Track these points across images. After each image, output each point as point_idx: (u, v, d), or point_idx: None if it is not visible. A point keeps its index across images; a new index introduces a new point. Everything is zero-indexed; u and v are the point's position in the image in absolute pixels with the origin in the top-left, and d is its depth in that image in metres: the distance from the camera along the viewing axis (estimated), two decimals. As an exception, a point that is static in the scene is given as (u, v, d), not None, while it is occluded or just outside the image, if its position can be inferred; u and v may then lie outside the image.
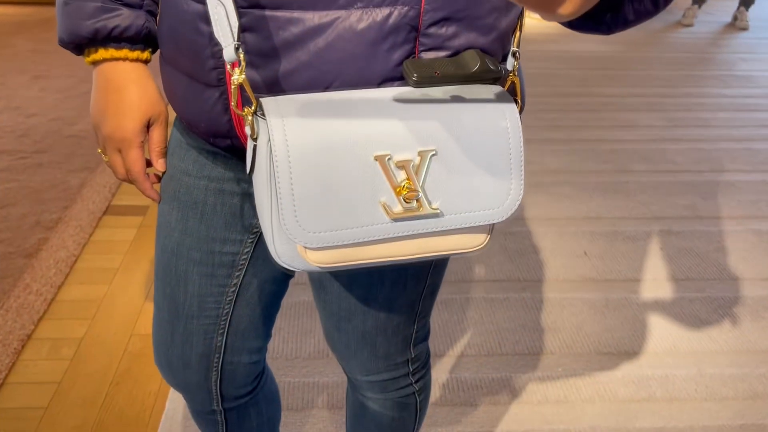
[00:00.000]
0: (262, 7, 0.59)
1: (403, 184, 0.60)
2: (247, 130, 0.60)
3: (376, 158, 0.59)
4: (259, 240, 0.80)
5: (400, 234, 0.62)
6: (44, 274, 1.89)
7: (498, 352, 1.67)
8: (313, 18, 0.59)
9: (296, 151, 0.57)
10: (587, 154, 2.78)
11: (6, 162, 2.54)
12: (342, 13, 0.59)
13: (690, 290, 1.93)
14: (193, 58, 0.65)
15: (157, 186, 0.81)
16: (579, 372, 1.61)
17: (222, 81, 0.64)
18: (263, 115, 0.59)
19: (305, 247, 0.62)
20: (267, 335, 0.91)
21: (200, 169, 0.75)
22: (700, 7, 4.98)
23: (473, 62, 0.61)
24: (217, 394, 0.90)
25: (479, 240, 0.67)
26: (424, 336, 0.94)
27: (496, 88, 0.64)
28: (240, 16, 0.59)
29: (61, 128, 2.85)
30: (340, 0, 0.58)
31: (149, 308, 1.78)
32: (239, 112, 0.60)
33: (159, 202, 0.81)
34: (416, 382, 0.96)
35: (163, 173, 0.79)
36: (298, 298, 1.83)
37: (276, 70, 0.61)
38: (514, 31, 0.67)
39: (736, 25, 4.90)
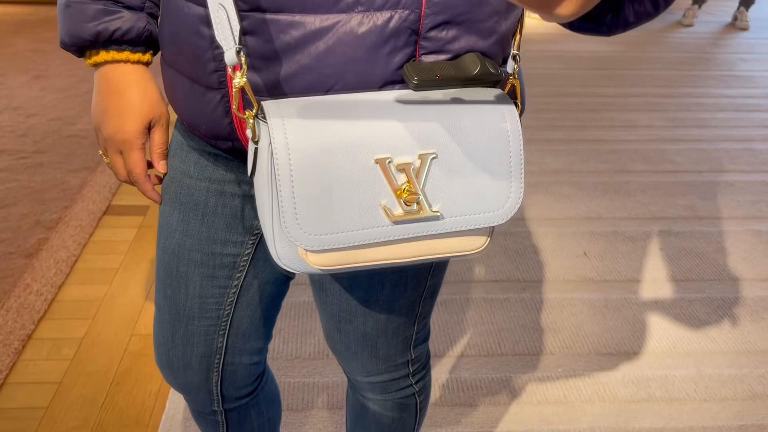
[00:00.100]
0: (263, 11, 0.59)
1: (403, 186, 0.60)
2: (249, 133, 0.60)
3: (377, 161, 0.59)
4: (260, 241, 0.80)
5: (400, 237, 0.63)
6: (44, 274, 1.89)
7: (498, 352, 1.67)
8: (314, 21, 0.59)
9: (297, 154, 0.58)
10: (587, 154, 2.78)
11: (6, 162, 2.54)
12: (343, 16, 0.59)
13: (689, 291, 1.93)
14: (194, 60, 0.66)
15: (158, 187, 0.81)
16: (579, 372, 1.62)
17: (223, 84, 0.64)
18: (264, 118, 0.59)
19: (306, 250, 0.62)
20: (267, 336, 0.92)
21: (201, 171, 0.76)
22: (700, 7, 4.98)
23: (473, 65, 0.62)
24: (218, 394, 0.91)
25: (479, 242, 0.67)
26: (425, 337, 0.94)
27: (496, 91, 0.65)
28: (241, 19, 0.59)
29: (62, 128, 2.85)
30: (341, 4, 0.58)
31: (149, 308, 1.78)
32: (240, 115, 0.60)
33: (160, 204, 0.81)
34: (416, 383, 0.97)
35: (164, 175, 0.80)
36: (298, 299, 1.83)
37: (277, 74, 0.61)
38: (514, 35, 0.67)
39: (736, 25, 4.90)
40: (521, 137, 0.63)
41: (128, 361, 1.61)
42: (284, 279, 0.87)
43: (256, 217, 0.78)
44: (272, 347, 1.65)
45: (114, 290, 1.86)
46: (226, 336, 0.85)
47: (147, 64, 0.77)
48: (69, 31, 0.72)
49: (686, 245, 2.16)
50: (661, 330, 1.77)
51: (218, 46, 0.62)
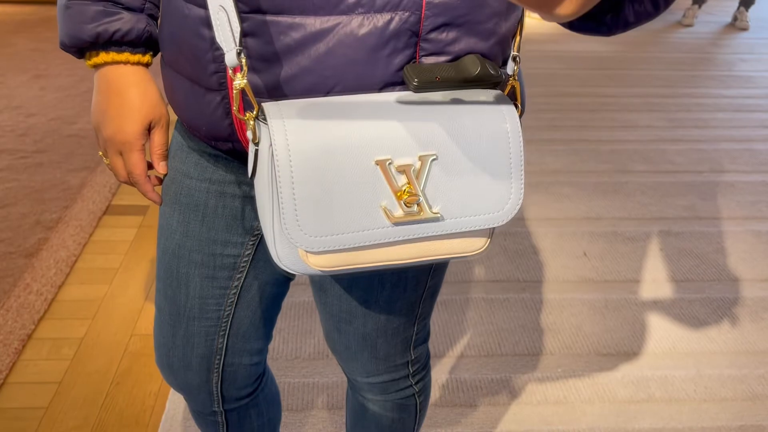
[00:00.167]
0: (264, 12, 0.59)
1: (403, 188, 0.60)
2: (249, 134, 0.60)
3: (377, 163, 0.59)
4: (260, 242, 0.80)
5: (400, 238, 0.63)
6: (44, 273, 1.89)
7: (497, 352, 1.67)
8: (314, 23, 0.59)
9: (298, 156, 0.58)
10: (587, 154, 2.78)
11: (6, 161, 2.54)
12: (343, 18, 0.59)
13: (689, 291, 1.93)
14: (194, 62, 0.66)
15: (158, 188, 0.81)
16: (578, 373, 1.62)
17: (223, 85, 0.64)
18: (265, 119, 0.59)
19: (306, 251, 0.62)
20: (268, 337, 0.92)
21: (201, 172, 0.76)
22: (700, 7, 4.98)
23: (473, 67, 0.62)
24: (218, 395, 0.91)
25: (479, 244, 0.67)
26: (425, 338, 0.94)
27: (496, 92, 0.65)
28: (242, 21, 0.59)
29: (61, 128, 2.85)
30: (342, 5, 0.58)
31: (149, 308, 1.78)
32: (241, 117, 0.60)
33: (160, 205, 0.81)
34: (416, 383, 0.97)
35: (165, 176, 0.80)
36: (298, 299, 1.83)
37: (277, 75, 0.61)
38: (514, 36, 0.67)
39: (736, 25, 4.90)
40: (521, 138, 0.63)
41: (128, 361, 1.61)
42: (284, 280, 0.87)
43: (256, 218, 0.78)
44: (272, 347, 1.65)
45: (114, 290, 1.86)
46: (226, 337, 0.85)
47: (147, 65, 0.77)
48: (69, 32, 0.72)
49: (686, 246, 2.16)
50: (660, 330, 1.77)
51: (218, 48, 0.63)
